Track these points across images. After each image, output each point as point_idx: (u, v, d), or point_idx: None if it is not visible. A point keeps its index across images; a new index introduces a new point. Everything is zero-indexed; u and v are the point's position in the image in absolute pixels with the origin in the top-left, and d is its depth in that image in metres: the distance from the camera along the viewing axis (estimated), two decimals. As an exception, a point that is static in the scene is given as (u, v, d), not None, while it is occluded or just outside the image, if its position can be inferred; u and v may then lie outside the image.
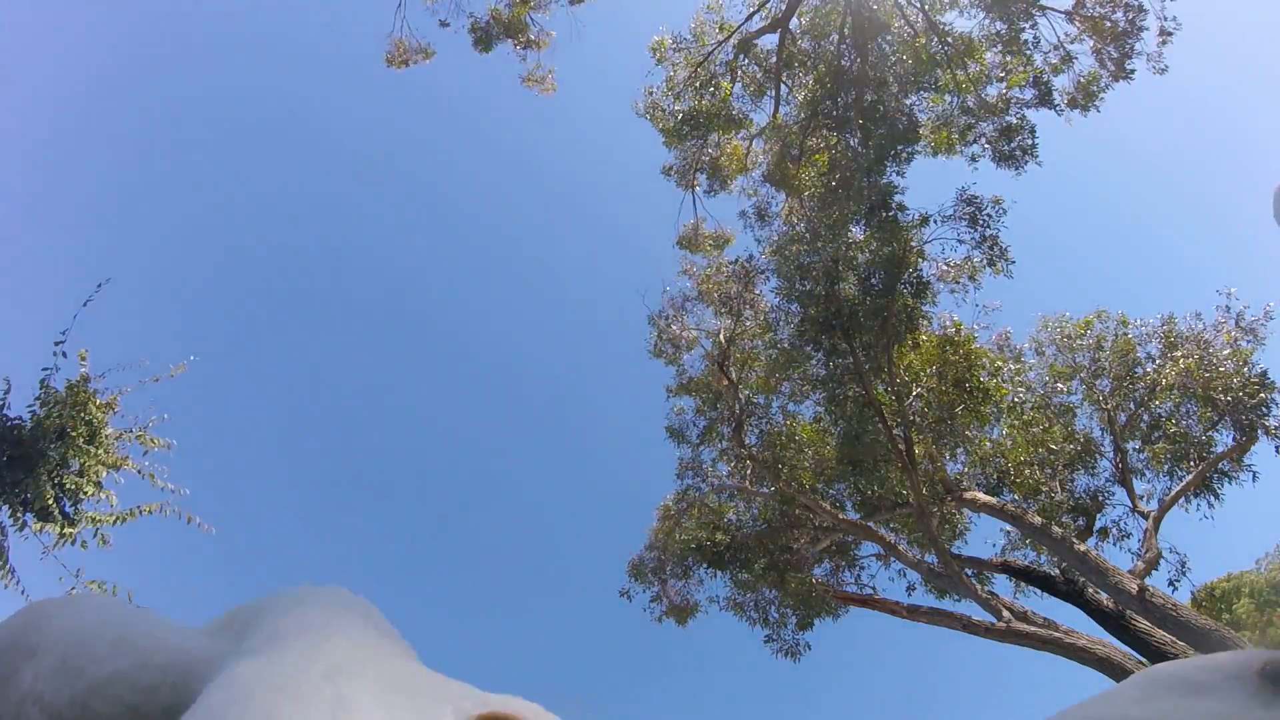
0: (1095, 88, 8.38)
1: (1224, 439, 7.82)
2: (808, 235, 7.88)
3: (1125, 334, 8.53)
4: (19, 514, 4.30)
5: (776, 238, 8.67)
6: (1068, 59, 8.49)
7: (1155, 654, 6.50)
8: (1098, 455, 8.21)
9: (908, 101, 8.67)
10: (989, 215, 7.60)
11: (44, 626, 0.81)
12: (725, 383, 8.60)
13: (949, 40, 8.64)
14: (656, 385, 9.98)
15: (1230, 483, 7.79)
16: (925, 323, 7.87)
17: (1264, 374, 7.62)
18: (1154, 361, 8.32)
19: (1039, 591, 7.85)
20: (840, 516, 7.95)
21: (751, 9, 10.11)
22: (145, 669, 0.77)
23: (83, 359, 4.55)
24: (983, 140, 8.65)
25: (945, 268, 7.92)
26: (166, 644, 0.81)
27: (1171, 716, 0.74)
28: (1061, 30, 8.52)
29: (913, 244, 7.49)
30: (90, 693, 0.75)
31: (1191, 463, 7.77)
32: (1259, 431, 7.53)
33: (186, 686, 0.76)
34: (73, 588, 4.41)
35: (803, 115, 9.61)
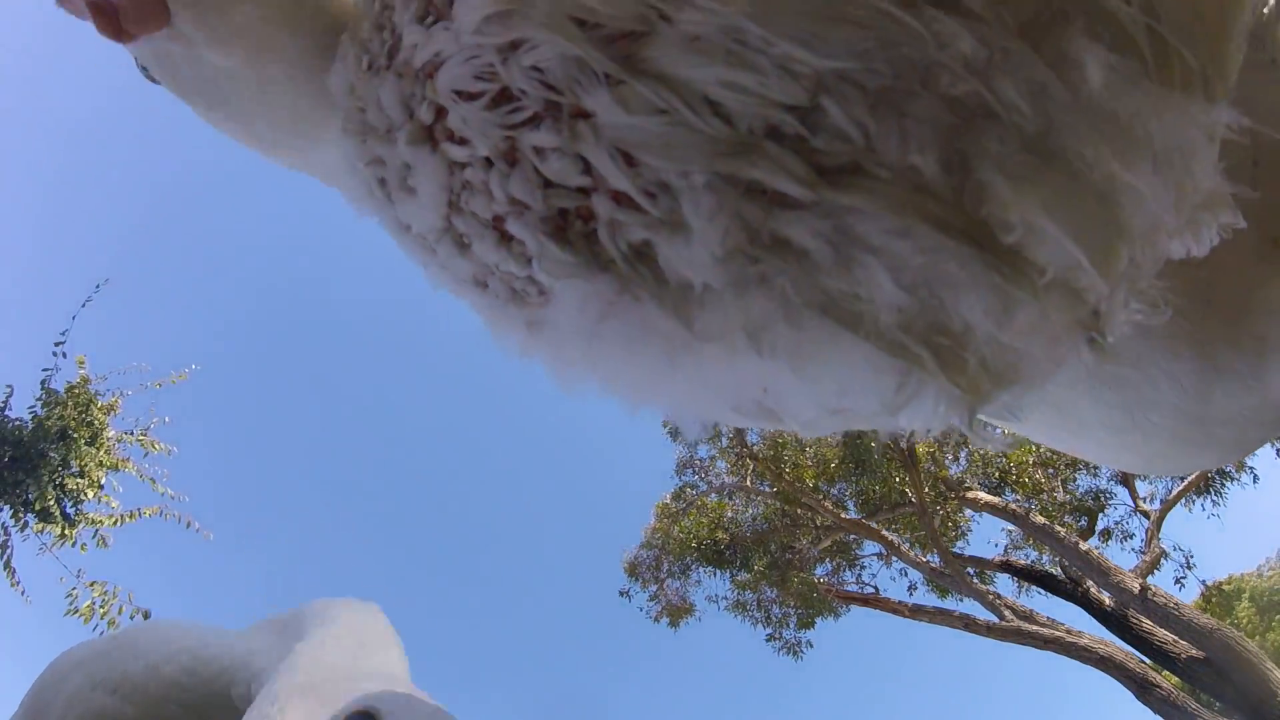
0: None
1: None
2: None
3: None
4: (20, 515, 4.30)
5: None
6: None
7: (1157, 653, 6.51)
8: (1100, 454, 8.19)
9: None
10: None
11: (62, 677, 0.81)
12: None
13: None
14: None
15: (1232, 483, 7.78)
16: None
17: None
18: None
19: (1041, 591, 7.85)
20: (842, 516, 7.95)
21: None
22: (189, 663, 0.80)
23: (81, 364, 4.53)
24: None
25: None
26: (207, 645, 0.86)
27: None
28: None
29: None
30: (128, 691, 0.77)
31: (1194, 462, 7.75)
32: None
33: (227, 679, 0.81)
34: (74, 588, 4.41)
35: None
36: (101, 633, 4.19)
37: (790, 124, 0.22)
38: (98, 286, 4.68)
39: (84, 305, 4.61)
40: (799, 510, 8.17)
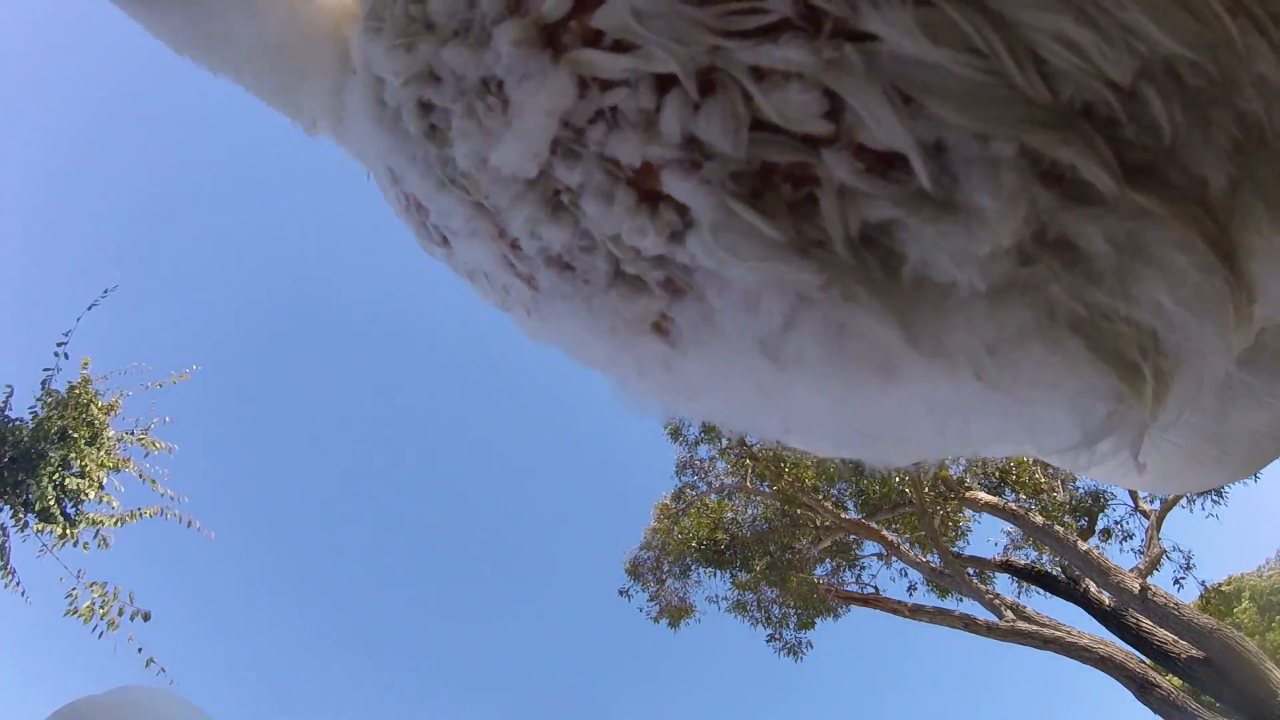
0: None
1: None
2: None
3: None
4: (20, 515, 4.30)
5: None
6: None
7: (1157, 653, 6.51)
8: (1099, 454, 8.17)
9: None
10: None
11: None
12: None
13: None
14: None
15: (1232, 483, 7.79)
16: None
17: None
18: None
19: (1041, 591, 7.86)
20: (842, 516, 7.95)
21: None
22: None
23: (85, 366, 4.54)
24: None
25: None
26: None
27: None
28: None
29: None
30: None
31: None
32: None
33: None
34: (74, 588, 4.40)
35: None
36: (101, 634, 4.20)
37: (1109, 105, 0.18)
38: (105, 291, 4.70)
39: (90, 308, 4.62)
40: (799, 510, 8.16)
